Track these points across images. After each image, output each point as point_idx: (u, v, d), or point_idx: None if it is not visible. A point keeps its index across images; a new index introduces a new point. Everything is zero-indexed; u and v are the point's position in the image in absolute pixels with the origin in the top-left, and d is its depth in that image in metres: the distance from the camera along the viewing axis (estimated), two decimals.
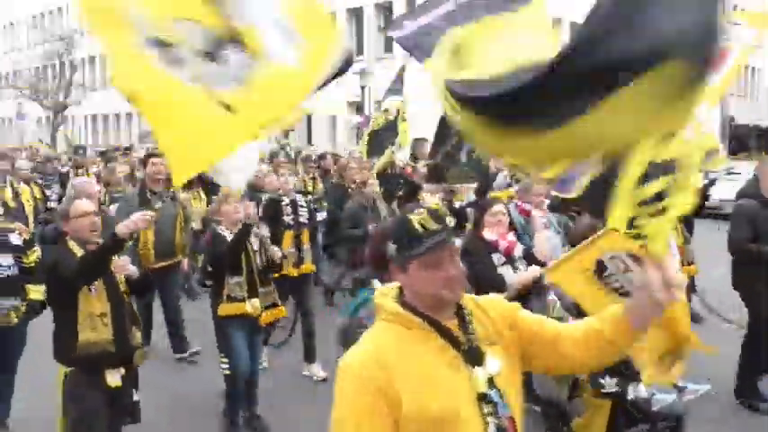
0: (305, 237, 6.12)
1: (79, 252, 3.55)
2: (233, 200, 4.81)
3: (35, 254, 4.58)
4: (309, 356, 5.97)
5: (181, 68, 2.52)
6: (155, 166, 6.26)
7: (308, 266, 6.09)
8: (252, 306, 4.77)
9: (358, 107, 26.70)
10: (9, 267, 4.45)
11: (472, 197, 6.64)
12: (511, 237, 4.52)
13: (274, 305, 5.19)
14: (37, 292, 4.44)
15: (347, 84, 26.13)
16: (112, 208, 6.69)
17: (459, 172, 6.50)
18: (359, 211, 6.61)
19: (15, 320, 4.52)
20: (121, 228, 3.42)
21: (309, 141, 29.35)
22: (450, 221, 1.82)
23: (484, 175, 6.65)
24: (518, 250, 4.44)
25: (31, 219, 7.43)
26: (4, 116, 50.83)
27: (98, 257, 3.46)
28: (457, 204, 6.56)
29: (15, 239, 4.50)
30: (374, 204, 6.75)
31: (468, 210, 6.23)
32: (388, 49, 27.71)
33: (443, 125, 6.44)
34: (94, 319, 3.48)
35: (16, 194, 7.48)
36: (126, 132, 39.43)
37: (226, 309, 4.74)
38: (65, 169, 12.64)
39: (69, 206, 3.68)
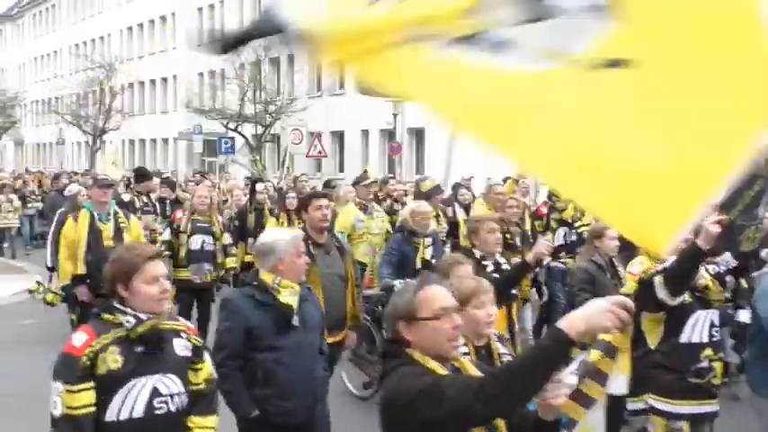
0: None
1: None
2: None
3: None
4: None
5: (511, 50, 1.77)
6: (320, 210, 4.65)
7: None
8: None
9: (390, 134, 26.74)
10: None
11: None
12: None
13: None
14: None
15: (379, 111, 26.23)
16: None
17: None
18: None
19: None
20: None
21: (341, 169, 29.44)
22: None
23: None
24: None
25: None
26: (45, 141, 52.27)
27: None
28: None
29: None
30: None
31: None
32: None
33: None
34: None
35: (119, 229, 6.26)
36: (162, 157, 40.08)
37: None
38: (127, 197, 9.92)
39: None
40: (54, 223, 7.89)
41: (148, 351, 2.57)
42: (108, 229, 6.14)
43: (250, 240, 8.41)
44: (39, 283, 8.04)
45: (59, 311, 7.66)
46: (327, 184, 10.78)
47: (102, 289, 5.42)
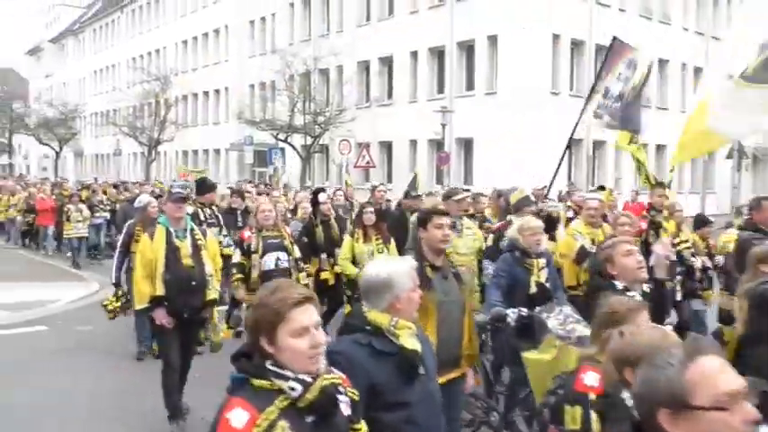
0: None
1: None
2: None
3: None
4: None
5: None
6: (441, 229, 3.98)
7: None
8: None
9: (438, 144, 26.72)
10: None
11: None
12: None
13: None
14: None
15: (428, 121, 26.23)
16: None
17: None
18: None
19: None
20: None
21: (389, 179, 29.49)
22: None
23: None
24: None
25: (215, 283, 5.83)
26: (103, 152, 54.01)
27: None
28: None
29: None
30: None
31: None
32: (470, 87, 27.65)
33: None
34: None
35: (196, 246, 5.69)
36: (214, 167, 40.91)
37: None
38: (190, 209, 8.77)
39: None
40: (122, 235, 7.80)
41: (320, 420, 2.09)
42: (185, 247, 5.57)
43: (322, 256, 8.16)
44: (110, 299, 7.52)
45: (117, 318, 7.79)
46: (407, 194, 9.89)
47: (183, 311, 5.45)
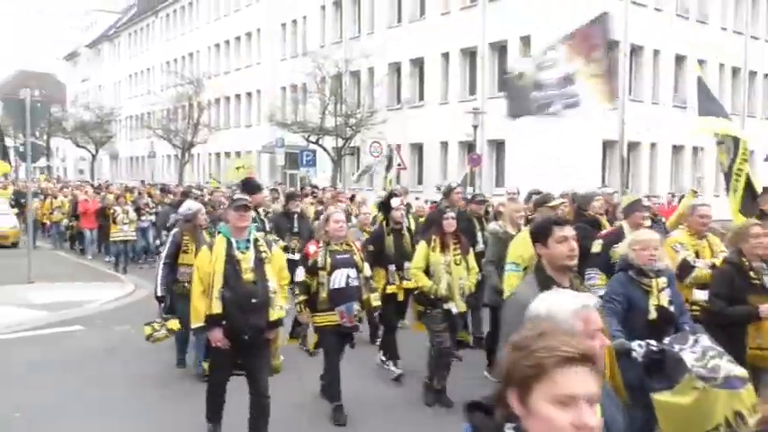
0: None
1: None
2: None
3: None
4: None
5: None
6: (565, 243, 3.34)
7: None
8: None
9: (470, 146, 26.53)
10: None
11: None
12: None
13: None
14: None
15: (459, 123, 26.08)
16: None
17: None
18: None
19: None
20: None
21: (420, 181, 29.41)
22: None
23: None
24: None
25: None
26: (138, 154, 54.89)
27: None
28: None
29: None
30: None
31: None
32: (502, 88, 27.39)
33: None
34: None
35: (260, 260, 5.05)
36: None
37: None
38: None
39: None
40: (168, 245, 7.11)
41: None
42: (247, 260, 4.92)
43: (391, 268, 7.30)
44: (150, 324, 6.79)
45: (152, 318, 7.79)
46: (443, 195, 8.98)
47: (243, 332, 4.84)
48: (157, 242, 14.67)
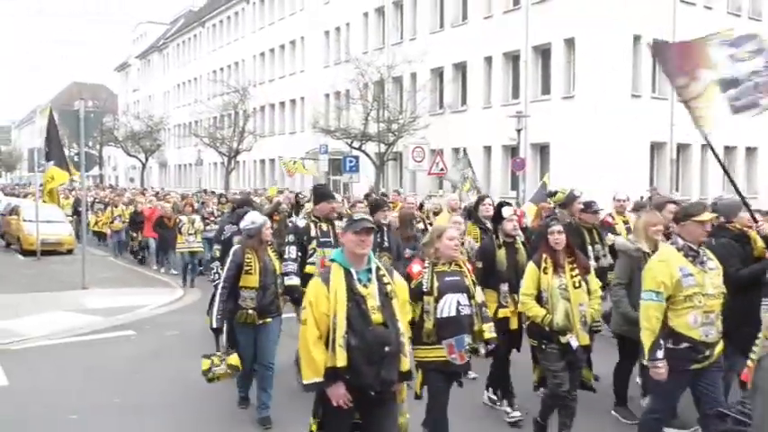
0: None
1: None
2: None
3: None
4: None
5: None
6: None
7: None
8: None
9: (513, 150, 26.32)
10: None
11: None
12: None
13: None
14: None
15: (502, 127, 25.90)
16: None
17: None
18: None
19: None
20: None
21: None
22: None
23: None
24: None
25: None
26: (185, 162, 56.12)
27: None
28: None
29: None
30: None
31: None
32: (545, 91, 27.13)
33: None
34: None
35: (386, 295, 4.06)
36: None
37: None
38: (302, 222, 7.12)
39: None
40: (228, 265, 5.93)
41: None
42: (372, 296, 3.86)
43: (503, 288, 6.08)
44: (209, 357, 5.88)
45: (200, 322, 7.90)
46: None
47: (371, 388, 3.74)
48: (208, 255, 13.38)
